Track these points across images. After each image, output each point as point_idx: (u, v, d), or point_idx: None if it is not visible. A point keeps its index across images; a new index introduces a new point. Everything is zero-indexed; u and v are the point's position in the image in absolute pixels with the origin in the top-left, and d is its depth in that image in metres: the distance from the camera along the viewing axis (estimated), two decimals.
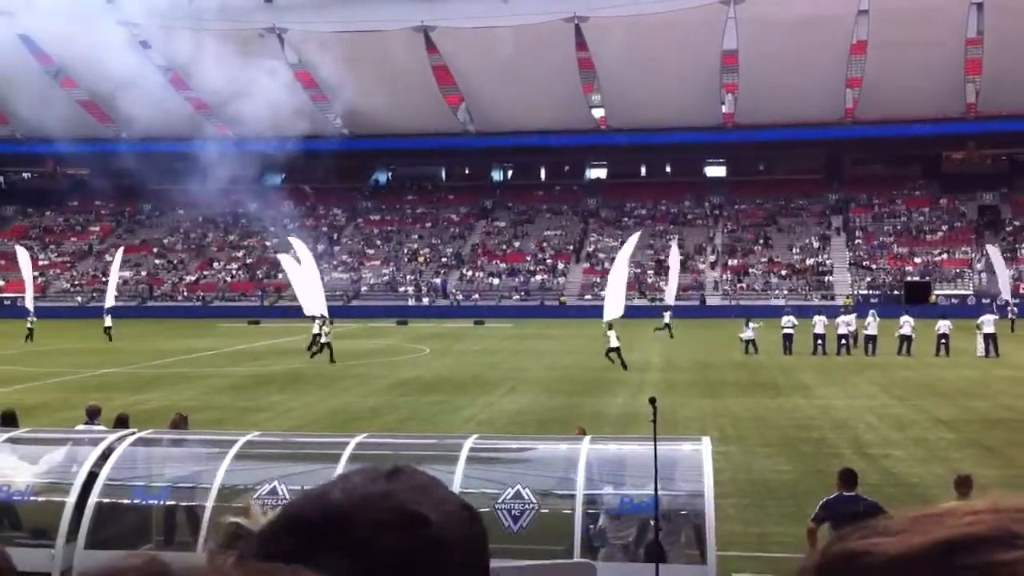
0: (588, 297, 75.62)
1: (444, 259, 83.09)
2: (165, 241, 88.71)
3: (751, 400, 28.09)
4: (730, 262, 78.86)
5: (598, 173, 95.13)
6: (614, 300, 38.81)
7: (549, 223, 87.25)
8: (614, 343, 36.78)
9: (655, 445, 10.05)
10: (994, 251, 49.49)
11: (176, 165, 75.48)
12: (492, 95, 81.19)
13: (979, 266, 74.00)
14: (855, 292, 71.12)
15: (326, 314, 41.81)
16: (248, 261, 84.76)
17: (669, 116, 79.36)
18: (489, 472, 12.24)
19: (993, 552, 0.86)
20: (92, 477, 11.38)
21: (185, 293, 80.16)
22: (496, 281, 78.81)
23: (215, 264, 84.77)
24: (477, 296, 76.70)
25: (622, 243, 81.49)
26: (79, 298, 79.53)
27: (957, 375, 33.93)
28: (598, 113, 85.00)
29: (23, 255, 59.68)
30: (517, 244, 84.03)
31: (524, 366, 37.71)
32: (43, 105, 75.82)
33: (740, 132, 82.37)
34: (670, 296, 55.48)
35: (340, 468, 11.24)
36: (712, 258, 78.94)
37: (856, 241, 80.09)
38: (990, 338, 40.07)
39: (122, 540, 11.75)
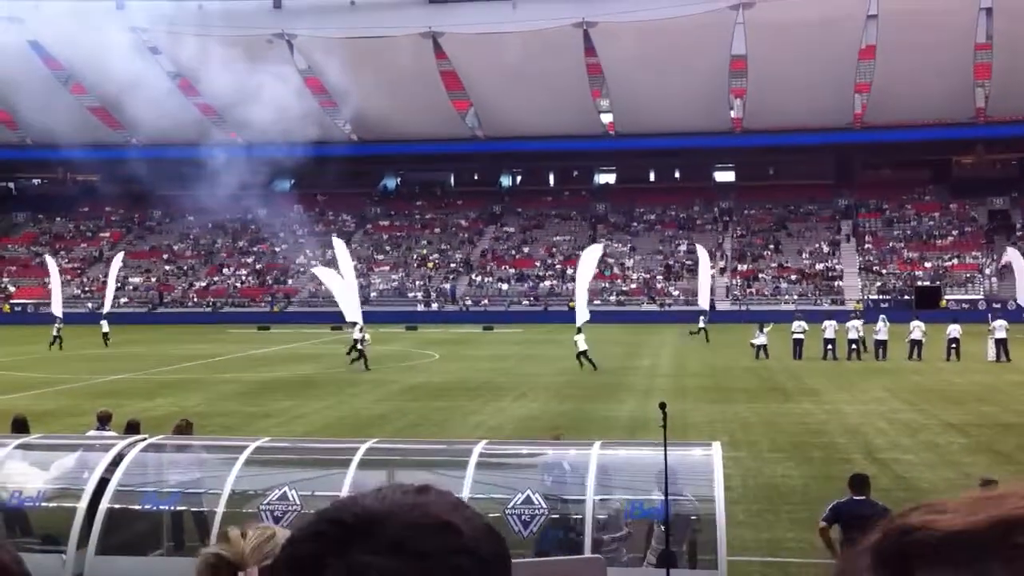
0: (597, 302, 75.58)
1: (453, 264, 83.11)
2: (175, 247, 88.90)
3: (761, 405, 28.03)
4: (739, 267, 78.73)
5: (607, 178, 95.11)
6: (581, 306, 40.19)
7: (558, 228, 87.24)
8: (582, 346, 38.20)
9: (665, 450, 10.04)
10: (1015, 254, 49.13)
11: (186, 171, 75.56)
12: (501, 100, 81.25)
13: (989, 271, 73.79)
14: (865, 297, 70.96)
15: (360, 320, 41.05)
16: (258, 267, 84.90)
17: (678, 121, 79.30)
18: (499, 477, 12.23)
19: None
20: (103, 483, 11.40)
21: (195, 299, 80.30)
22: (505, 286, 78.81)
23: (225, 270, 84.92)
24: (486, 301, 76.68)
25: (631, 248, 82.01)
26: (89, 304, 79.66)
27: (968, 380, 33.84)
28: (607, 118, 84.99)
29: (52, 264, 59.62)
30: (526, 249, 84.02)
31: (533, 371, 37.69)
32: (53, 111, 76.12)
33: (749, 137, 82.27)
34: (703, 300, 55.35)
35: (351, 473, 11.25)
36: (721, 264, 78.84)
37: (866, 246, 79.91)
38: (1001, 343, 39.95)
39: (133, 546, 11.77)
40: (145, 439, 12.77)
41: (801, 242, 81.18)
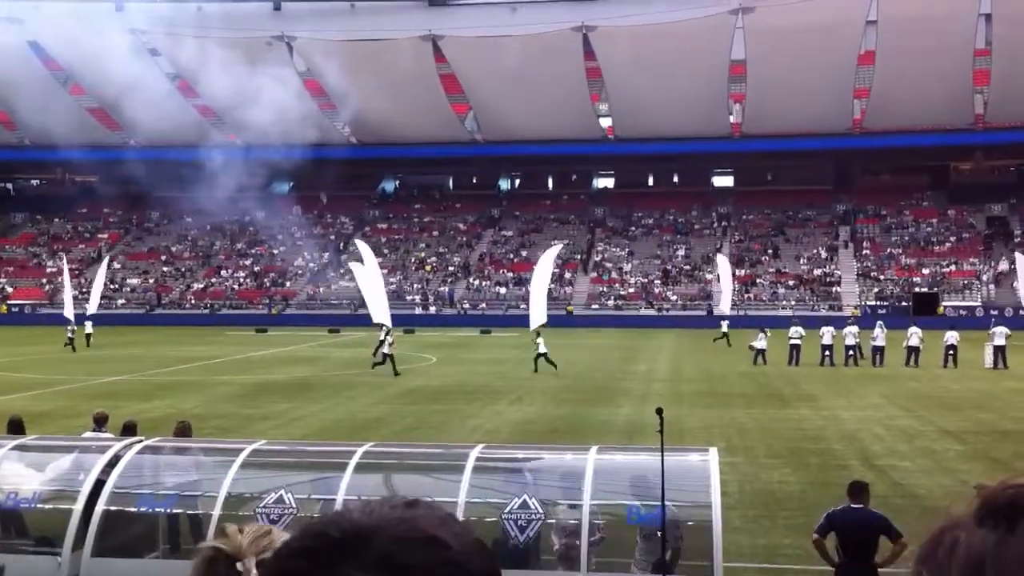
0: (595, 307, 75.66)
1: (451, 268, 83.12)
2: (173, 249, 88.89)
3: (758, 411, 28.04)
4: (737, 272, 78.72)
5: (605, 182, 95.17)
6: (537, 308, 40.39)
7: (556, 232, 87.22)
8: (542, 348, 38.76)
9: (662, 455, 10.03)
10: (1022, 260, 49.09)
11: (184, 172, 75.64)
12: (500, 104, 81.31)
13: (986, 277, 73.84)
14: (863, 303, 71.00)
15: (389, 324, 39.89)
16: (256, 269, 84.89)
17: (677, 126, 79.40)
18: (496, 482, 12.22)
19: None
20: (99, 485, 11.38)
21: (193, 301, 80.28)
22: (503, 290, 78.81)
23: (223, 272, 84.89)
24: (484, 305, 76.70)
25: (629, 252, 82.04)
26: (86, 305, 79.61)
27: (965, 387, 33.85)
28: (606, 122, 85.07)
29: (65, 266, 58.64)
30: (524, 253, 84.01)
31: (531, 375, 37.67)
32: (52, 112, 76.14)
33: (748, 142, 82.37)
34: (725, 306, 55.25)
35: (347, 477, 11.24)
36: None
37: (864, 252, 79.97)
38: (1000, 350, 39.96)
39: (128, 548, 11.75)
40: (141, 441, 12.76)
41: (799, 247, 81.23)
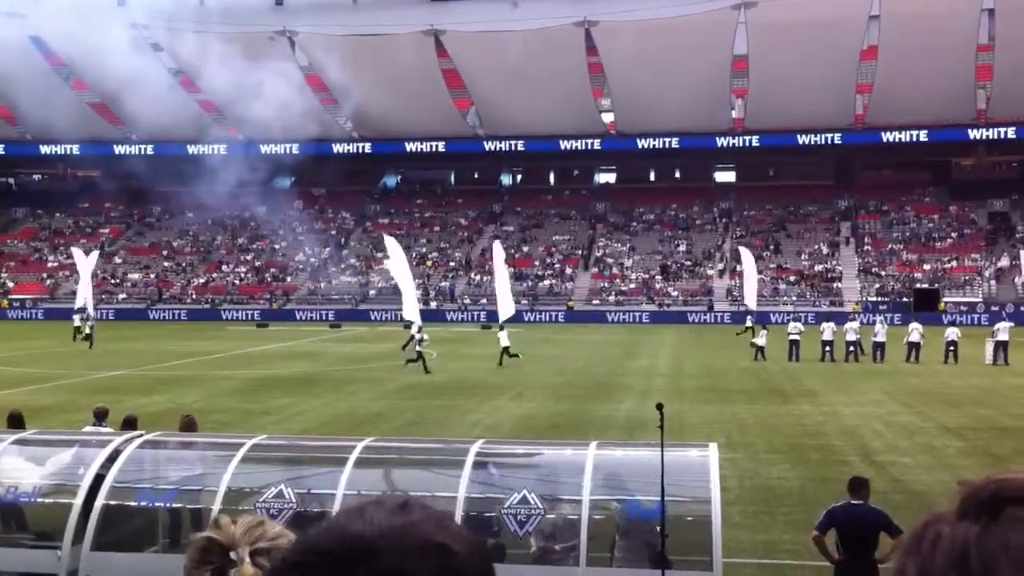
0: (596, 302, 75.65)
1: (452, 263, 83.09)
2: (174, 243, 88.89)
3: (758, 407, 28.05)
4: (739, 268, 78.67)
5: (607, 178, 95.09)
6: (504, 303, 41.26)
7: (558, 228, 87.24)
8: (504, 343, 39.14)
9: (662, 451, 10.03)
10: None
11: (185, 167, 75.69)
12: (502, 99, 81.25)
13: (988, 273, 73.80)
14: (864, 299, 70.96)
15: (418, 320, 38.91)
16: (257, 264, 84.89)
17: (678, 121, 79.34)
18: (496, 477, 12.22)
19: None
20: (99, 479, 11.39)
21: (194, 296, 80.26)
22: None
23: (224, 267, 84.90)
24: (485, 300, 76.60)
25: (631, 247, 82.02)
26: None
27: (965, 383, 33.85)
28: (607, 118, 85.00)
29: (79, 256, 57.34)
30: (526, 249, 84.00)
31: (531, 371, 37.67)
32: (53, 107, 76.13)
33: (749, 137, 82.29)
34: (750, 300, 55.11)
35: (347, 472, 11.24)
36: (720, 265, 78.83)
37: (865, 248, 79.91)
38: (1002, 345, 39.94)
39: (128, 542, 11.76)
40: (142, 435, 12.76)
41: (800, 243, 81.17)
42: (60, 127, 78.13)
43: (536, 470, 12.63)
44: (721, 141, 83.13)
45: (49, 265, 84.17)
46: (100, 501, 11.15)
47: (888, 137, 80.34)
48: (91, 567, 10.91)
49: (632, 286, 77.41)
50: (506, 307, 41.21)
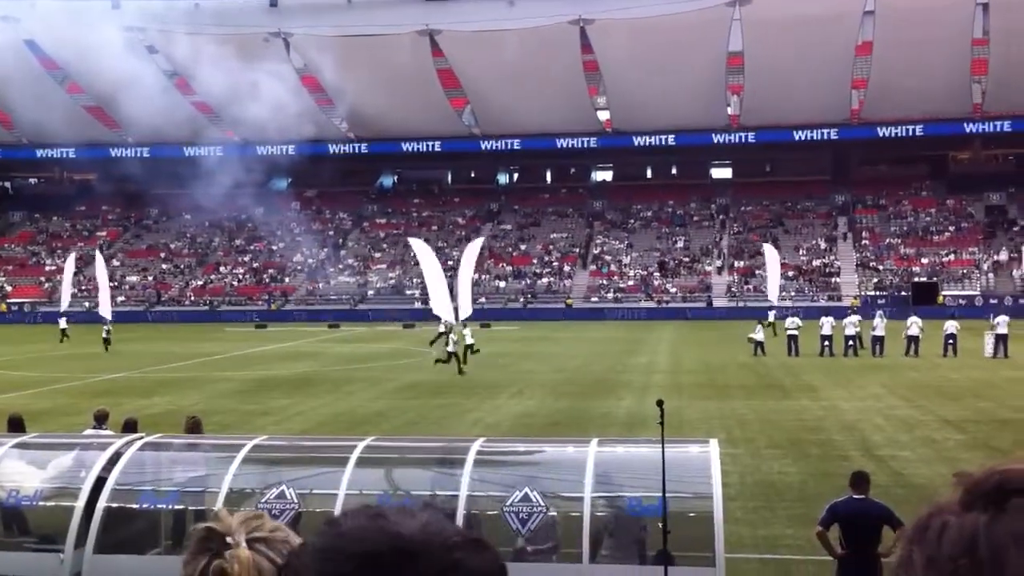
0: (595, 300, 75.67)
1: (450, 262, 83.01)
2: (172, 246, 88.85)
3: (758, 402, 28.06)
4: (736, 264, 78.77)
5: (604, 176, 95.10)
6: (464, 301, 41.71)
7: (555, 226, 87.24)
8: (469, 340, 39.33)
9: (663, 447, 10.04)
10: None
11: (182, 170, 75.63)
12: (498, 98, 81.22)
13: (986, 266, 73.86)
14: (862, 293, 71.01)
15: (452, 320, 38.55)
16: (255, 265, 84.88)
17: (675, 118, 79.34)
18: (497, 475, 12.23)
19: None
20: (100, 482, 11.39)
21: (192, 297, 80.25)
22: (502, 284, 78.80)
23: (222, 268, 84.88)
24: (483, 299, 76.62)
25: (628, 245, 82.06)
26: (86, 303, 79.64)
27: (965, 376, 33.87)
28: (603, 116, 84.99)
29: (100, 262, 56.84)
30: (523, 247, 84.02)
31: (531, 369, 37.68)
32: (49, 110, 76.04)
33: (746, 133, 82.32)
34: (773, 295, 55.10)
35: (348, 471, 11.25)
36: (719, 262, 78.87)
37: (863, 242, 79.95)
38: (1002, 339, 39.96)
39: (131, 545, 11.76)
40: (142, 437, 12.77)
41: (798, 238, 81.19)
42: (56, 131, 78.09)
43: (537, 468, 12.63)
44: (717, 138, 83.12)
45: (47, 269, 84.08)
46: (102, 504, 11.16)
47: (884, 132, 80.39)
48: (94, 570, 10.92)
49: (630, 283, 77.44)
50: (465, 306, 41.76)
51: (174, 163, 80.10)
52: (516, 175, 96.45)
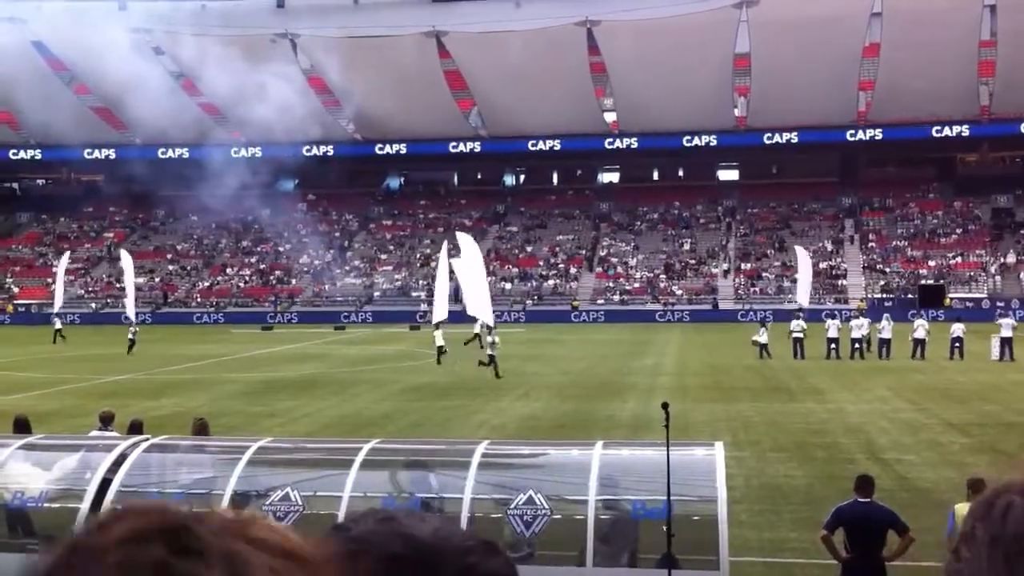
0: (601, 301, 75.63)
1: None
2: (179, 247, 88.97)
3: (764, 405, 28.02)
4: (743, 266, 78.67)
5: (610, 177, 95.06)
6: (440, 303, 42.15)
7: (561, 228, 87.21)
8: (439, 342, 40.38)
9: (668, 450, 10.03)
10: None
11: (189, 171, 75.70)
12: (504, 100, 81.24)
13: (993, 269, 73.69)
14: (869, 296, 70.88)
15: (490, 322, 37.45)
16: (261, 267, 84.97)
17: (681, 120, 79.29)
18: (501, 477, 12.23)
19: None
20: (106, 483, 11.41)
21: (199, 299, 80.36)
22: (508, 286, 78.77)
23: (228, 270, 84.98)
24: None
25: (635, 247, 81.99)
26: (93, 304, 79.87)
27: (971, 379, 33.79)
28: (610, 117, 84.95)
29: (127, 260, 55.80)
30: (529, 249, 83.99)
31: (536, 371, 37.68)
32: (56, 111, 76.12)
33: (753, 135, 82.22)
34: (803, 298, 55.05)
35: (353, 474, 11.25)
36: (725, 265, 78.77)
37: (870, 244, 79.81)
38: (1007, 342, 39.89)
39: None
40: (148, 439, 12.78)
41: (805, 241, 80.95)
42: (63, 132, 78.21)
43: (542, 470, 12.62)
44: (724, 139, 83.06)
45: (54, 270, 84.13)
46: (107, 505, 11.16)
47: (891, 134, 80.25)
48: None
49: (636, 285, 77.38)
50: (441, 309, 41.96)
51: (181, 164, 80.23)
52: (522, 177, 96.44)
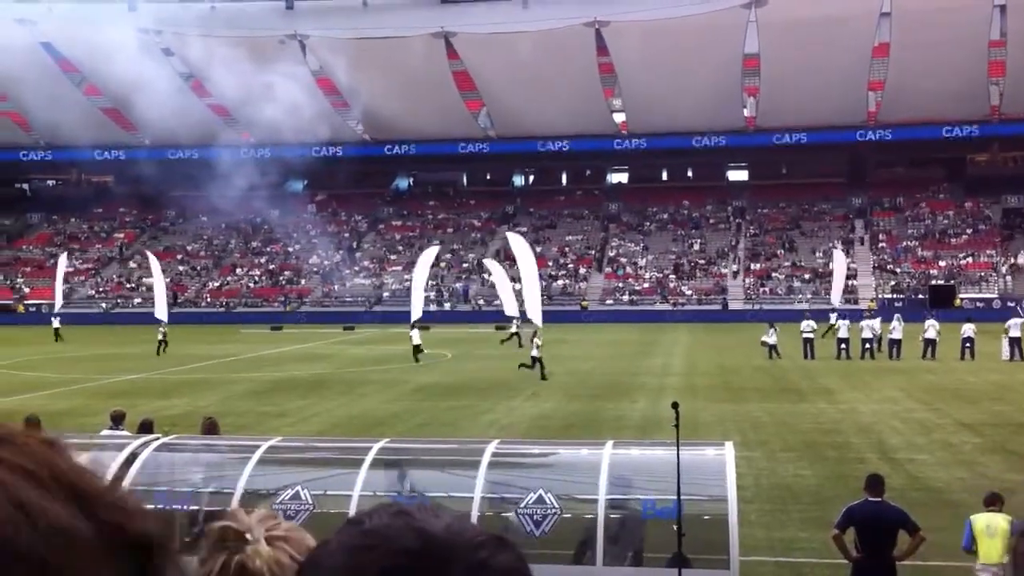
0: (610, 302, 75.59)
1: (465, 264, 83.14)
2: (189, 247, 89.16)
3: (774, 405, 27.97)
4: (753, 266, 78.56)
5: (619, 178, 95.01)
6: (416, 303, 44.30)
7: (570, 228, 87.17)
8: (416, 341, 41.69)
9: (678, 450, 10.02)
10: None
11: (199, 172, 75.88)
12: (513, 100, 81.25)
13: (1004, 269, 73.48)
14: (879, 296, 70.72)
15: (539, 322, 36.12)
16: (271, 267, 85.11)
17: (690, 120, 79.21)
18: (511, 477, 12.23)
19: None
20: None
21: (208, 299, 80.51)
22: (517, 286, 78.66)
23: (238, 270, 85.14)
24: (499, 301, 76.58)
25: (644, 247, 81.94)
26: (104, 304, 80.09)
27: (982, 379, 33.70)
28: (619, 118, 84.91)
29: (155, 263, 55.36)
30: (539, 249, 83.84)
31: (546, 371, 37.63)
32: (66, 112, 76.36)
33: (762, 136, 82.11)
34: (836, 298, 55.04)
35: (363, 473, 11.26)
36: (734, 266, 78.66)
37: (880, 245, 79.65)
38: (1016, 342, 39.79)
39: None
40: (158, 438, 12.81)
41: (814, 241, 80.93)
42: (73, 133, 78.45)
43: (552, 470, 12.62)
44: (733, 140, 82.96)
45: (65, 271, 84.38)
46: None
47: (901, 134, 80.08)
48: None
49: (646, 285, 77.33)
50: (416, 308, 43.82)
51: (190, 165, 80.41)
52: (531, 177, 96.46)
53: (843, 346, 41.42)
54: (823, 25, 70.02)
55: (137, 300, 79.59)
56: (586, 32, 76.67)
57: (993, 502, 10.85)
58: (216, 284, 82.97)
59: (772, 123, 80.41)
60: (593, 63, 78.92)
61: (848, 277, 75.19)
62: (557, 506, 10.91)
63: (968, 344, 40.12)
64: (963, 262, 74.98)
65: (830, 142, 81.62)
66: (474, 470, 11.29)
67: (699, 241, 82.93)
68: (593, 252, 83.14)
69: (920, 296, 70.28)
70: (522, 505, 10.86)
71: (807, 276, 75.96)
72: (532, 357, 35.59)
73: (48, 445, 1.00)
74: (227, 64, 68.20)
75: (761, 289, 75.05)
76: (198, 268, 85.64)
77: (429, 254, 48.63)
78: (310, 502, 11.09)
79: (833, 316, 50.70)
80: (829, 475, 18.64)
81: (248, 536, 1.63)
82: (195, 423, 16.03)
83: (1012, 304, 60.02)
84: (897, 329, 41.42)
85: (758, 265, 78.43)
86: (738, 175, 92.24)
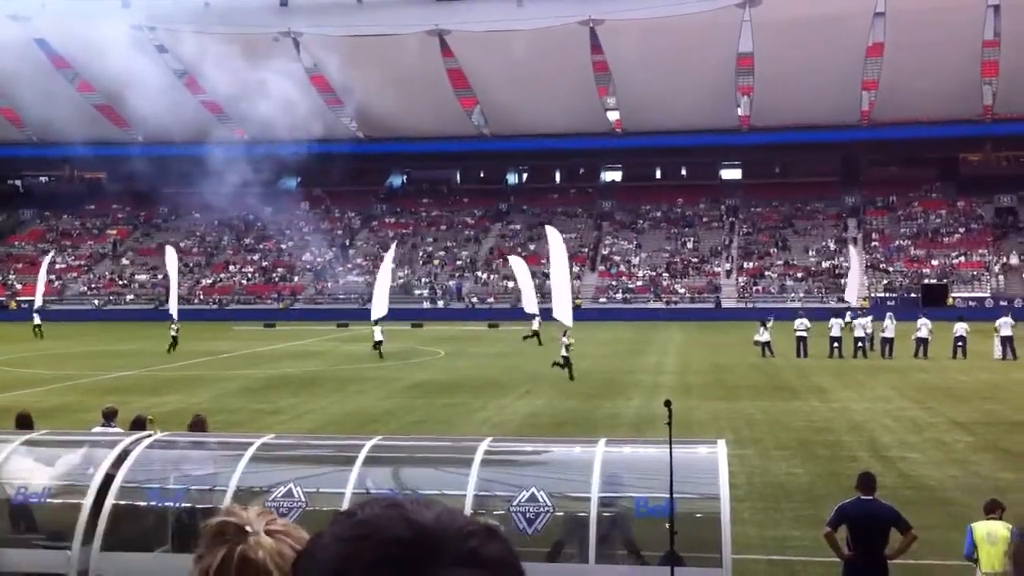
0: (603, 300, 75.61)
1: (459, 262, 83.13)
2: (181, 244, 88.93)
3: (767, 403, 28.01)
4: (746, 265, 78.66)
5: (613, 176, 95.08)
6: (379, 301, 44.48)
7: (564, 226, 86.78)
8: (379, 337, 42.41)
9: (671, 448, 10.02)
10: None
11: (192, 168, 75.76)
12: (507, 98, 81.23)
13: (997, 268, 73.64)
14: (871, 295, 70.82)
15: (568, 323, 35.53)
16: (264, 264, 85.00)
17: (684, 119, 79.25)
18: (504, 475, 12.22)
19: None
20: (108, 479, 11.41)
21: (201, 296, 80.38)
22: (511, 284, 78.72)
23: (231, 267, 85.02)
24: (492, 299, 76.69)
25: (637, 245, 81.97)
26: (96, 301, 79.93)
27: (974, 378, 33.79)
28: (613, 116, 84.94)
29: (171, 256, 54.66)
30: (532, 247, 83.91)
31: (538, 368, 37.65)
32: (59, 109, 76.24)
33: (756, 135, 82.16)
34: (851, 296, 55.19)
35: (356, 470, 11.25)
36: (728, 265, 78.73)
37: (872, 243, 79.77)
38: (1007, 341, 39.91)
39: (138, 542, 11.77)
40: (151, 435, 12.78)
41: (807, 240, 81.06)
42: (65, 129, 78.25)
43: (544, 468, 12.62)
44: (727, 139, 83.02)
45: (57, 267, 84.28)
46: (110, 501, 11.17)
47: (894, 133, 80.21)
48: (101, 567, 10.93)
49: (639, 284, 77.37)
50: (380, 306, 43.99)
51: (183, 162, 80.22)
52: (525, 175, 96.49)
53: (835, 345, 41.50)
54: (817, 24, 70.12)
55: (129, 297, 79.49)
56: (580, 31, 76.68)
57: (993, 509, 10.86)
58: (209, 281, 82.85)
59: (766, 122, 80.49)
60: (587, 61, 78.95)
61: (840, 276, 75.51)
62: (550, 504, 10.90)
63: (960, 343, 40.23)
64: (955, 261, 75.14)
65: (823, 141, 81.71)
66: (467, 468, 11.28)
67: (692, 240, 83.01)
68: (586, 250, 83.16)
69: (913, 295, 70.41)
70: (514, 503, 10.85)
71: (800, 275, 76.07)
72: (563, 356, 34.98)
73: None
74: (220, 61, 68.05)
75: (754, 288, 75.14)
76: (191, 265, 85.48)
77: (391, 253, 50.41)
78: (303, 499, 11.07)
79: (849, 315, 50.78)
80: (821, 473, 18.68)
81: (248, 529, 1.64)
82: (187, 420, 15.97)
83: (1004, 303, 60.17)
84: (889, 328, 41.53)
85: (751, 264, 78.53)
86: (731, 174, 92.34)
